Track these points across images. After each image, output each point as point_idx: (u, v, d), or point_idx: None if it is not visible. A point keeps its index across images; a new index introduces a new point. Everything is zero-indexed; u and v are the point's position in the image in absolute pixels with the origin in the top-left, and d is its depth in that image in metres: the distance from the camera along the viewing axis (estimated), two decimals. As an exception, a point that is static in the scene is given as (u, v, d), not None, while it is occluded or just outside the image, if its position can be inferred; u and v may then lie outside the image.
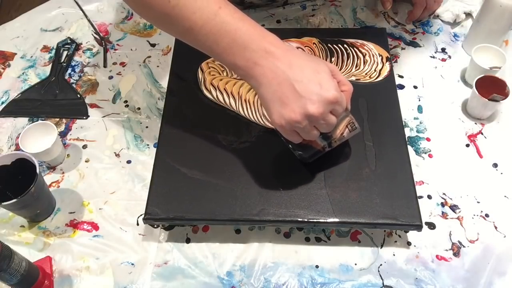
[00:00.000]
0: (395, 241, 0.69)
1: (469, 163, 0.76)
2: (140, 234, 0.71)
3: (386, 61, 0.80)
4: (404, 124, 0.74)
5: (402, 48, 0.91)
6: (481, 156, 0.77)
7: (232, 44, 0.56)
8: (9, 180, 0.68)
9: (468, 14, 0.96)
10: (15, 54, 0.94)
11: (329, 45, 0.83)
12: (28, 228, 0.72)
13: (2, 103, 0.87)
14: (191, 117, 0.75)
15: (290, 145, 0.65)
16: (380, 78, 0.78)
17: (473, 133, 0.80)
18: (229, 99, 0.76)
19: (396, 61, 0.89)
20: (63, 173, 0.77)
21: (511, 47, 0.90)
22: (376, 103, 0.75)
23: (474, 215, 0.71)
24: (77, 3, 1.02)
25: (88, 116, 0.84)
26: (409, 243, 0.69)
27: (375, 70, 0.79)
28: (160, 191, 0.67)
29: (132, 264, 0.68)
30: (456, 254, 0.68)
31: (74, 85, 0.89)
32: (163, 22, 0.60)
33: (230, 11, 0.57)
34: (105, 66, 0.91)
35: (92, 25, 0.98)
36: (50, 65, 0.92)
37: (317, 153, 0.65)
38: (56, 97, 0.87)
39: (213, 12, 0.56)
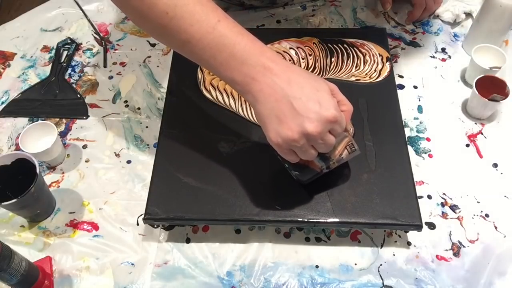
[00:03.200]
0: (395, 241, 0.69)
1: (469, 163, 0.76)
2: (140, 234, 0.71)
3: (386, 61, 0.80)
4: (404, 124, 0.74)
5: (402, 48, 0.91)
6: (481, 156, 0.77)
7: (229, 59, 0.55)
8: (9, 180, 0.68)
9: (468, 14, 0.96)
10: (15, 54, 0.94)
11: (329, 45, 0.83)
12: (28, 228, 0.72)
13: (2, 103, 0.87)
14: (191, 117, 0.75)
15: (286, 165, 0.63)
16: (380, 78, 0.78)
17: (473, 133, 0.80)
18: (228, 99, 0.76)
19: (396, 61, 0.89)
20: (63, 173, 0.77)
21: (511, 47, 0.90)
22: (376, 103, 0.75)
23: (474, 215, 0.71)
24: (77, 3, 1.02)
25: (88, 116, 0.84)
26: (409, 243, 0.69)
27: (375, 70, 0.79)
28: (160, 191, 0.67)
29: (132, 264, 0.68)
30: (456, 254, 0.68)
31: (74, 85, 0.89)
32: (160, 34, 0.59)
33: (229, 25, 0.55)
34: (105, 66, 0.91)
35: (92, 25, 0.99)
36: (50, 65, 0.92)
37: (315, 175, 0.63)
38: (56, 97, 0.87)
39: (212, 25, 0.54)
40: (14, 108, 0.86)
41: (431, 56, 0.90)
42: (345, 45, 0.83)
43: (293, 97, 0.53)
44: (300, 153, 0.57)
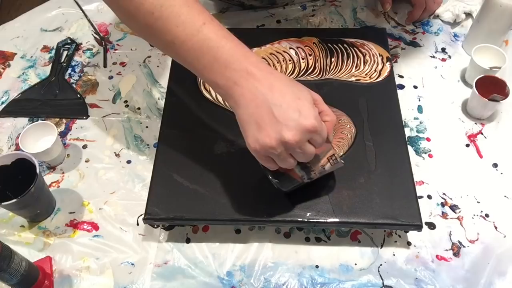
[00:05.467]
0: (395, 241, 0.69)
1: (469, 163, 0.76)
2: (140, 234, 0.71)
3: (386, 61, 0.80)
4: (404, 124, 0.74)
5: (402, 48, 0.91)
6: (481, 156, 0.77)
7: (213, 62, 0.54)
8: (9, 180, 0.68)
9: (468, 14, 0.96)
10: (15, 54, 0.94)
11: (329, 44, 0.83)
12: (28, 228, 0.72)
13: (2, 103, 0.87)
14: (191, 117, 0.75)
15: (268, 174, 0.62)
16: (380, 78, 0.78)
17: (473, 133, 0.80)
18: (229, 99, 0.76)
19: (396, 61, 0.89)
20: (63, 173, 0.77)
21: (511, 47, 0.90)
22: (376, 103, 0.75)
23: (474, 215, 0.71)
24: (77, 3, 1.02)
25: (88, 116, 0.84)
26: (409, 243, 0.69)
27: (375, 71, 0.79)
28: (160, 191, 0.67)
29: (132, 264, 0.68)
30: (456, 254, 0.68)
31: (74, 85, 0.89)
32: (146, 34, 0.59)
33: (214, 28, 0.55)
34: (105, 66, 0.91)
35: (92, 25, 0.99)
36: (50, 65, 0.92)
37: (295, 185, 0.62)
38: (56, 97, 0.87)
39: (197, 27, 0.54)
40: (14, 108, 0.86)
41: (431, 56, 0.90)
42: (345, 45, 0.83)
43: (274, 104, 0.53)
44: (278, 161, 0.56)
